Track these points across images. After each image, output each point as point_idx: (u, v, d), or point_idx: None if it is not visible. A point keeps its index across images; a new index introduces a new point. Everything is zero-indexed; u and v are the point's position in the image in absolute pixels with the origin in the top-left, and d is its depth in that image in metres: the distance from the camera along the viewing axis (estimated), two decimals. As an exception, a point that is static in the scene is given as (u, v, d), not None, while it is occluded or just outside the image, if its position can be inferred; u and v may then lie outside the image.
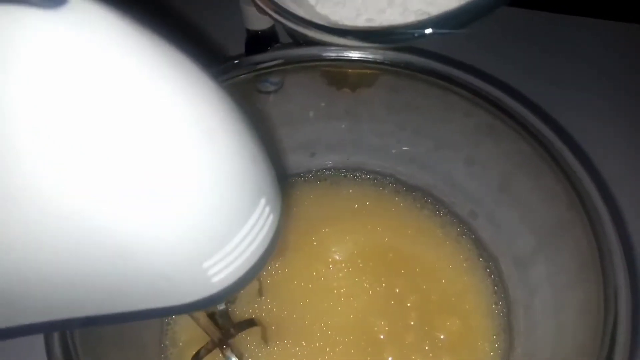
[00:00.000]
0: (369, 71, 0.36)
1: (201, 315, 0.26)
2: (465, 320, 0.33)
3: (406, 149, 0.39)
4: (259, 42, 0.41)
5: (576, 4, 0.51)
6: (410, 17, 0.31)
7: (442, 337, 0.33)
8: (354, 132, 0.39)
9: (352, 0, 0.33)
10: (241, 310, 0.33)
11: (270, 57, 0.34)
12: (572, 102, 0.45)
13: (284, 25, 0.33)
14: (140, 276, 0.16)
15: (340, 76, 0.37)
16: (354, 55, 0.33)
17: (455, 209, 0.38)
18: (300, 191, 0.40)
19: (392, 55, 0.33)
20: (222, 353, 0.28)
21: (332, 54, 0.33)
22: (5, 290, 0.17)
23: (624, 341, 0.23)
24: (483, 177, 0.35)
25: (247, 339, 0.32)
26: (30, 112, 0.13)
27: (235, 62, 0.34)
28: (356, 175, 0.40)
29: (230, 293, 0.19)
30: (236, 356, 0.28)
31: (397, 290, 0.35)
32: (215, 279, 0.18)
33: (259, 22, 0.40)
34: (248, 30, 0.41)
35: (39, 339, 0.23)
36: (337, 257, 0.36)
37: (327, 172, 0.41)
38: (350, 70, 0.36)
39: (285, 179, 0.40)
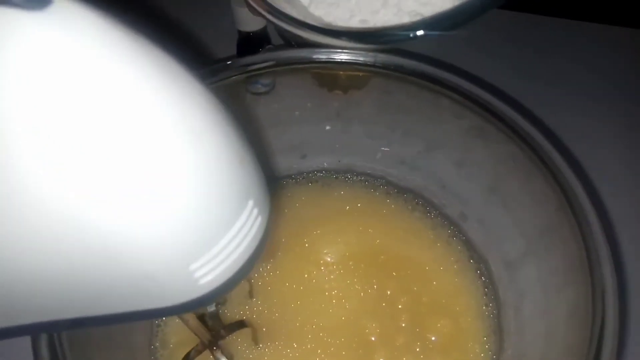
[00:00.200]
0: (360, 73, 0.36)
1: (191, 317, 0.26)
2: (456, 321, 0.33)
3: (397, 151, 0.39)
4: (251, 43, 0.41)
5: (568, 7, 0.52)
6: (404, 18, 0.31)
7: (433, 338, 0.33)
8: (345, 134, 0.39)
9: (345, 1, 0.33)
10: (232, 312, 0.33)
11: (261, 59, 0.34)
12: (561, 104, 0.45)
13: (277, 27, 0.33)
14: (127, 278, 0.16)
15: (331, 78, 0.37)
16: (345, 57, 0.33)
17: (445, 211, 0.38)
18: (291, 193, 0.40)
19: (382, 57, 0.33)
20: (213, 355, 0.28)
21: (322, 56, 0.34)
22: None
23: (612, 342, 0.24)
24: (473, 179, 0.35)
25: (238, 341, 0.32)
26: (12, 112, 0.13)
27: (227, 63, 0.34)
28: (347, 177, 0.40)
29: (218, 295, 0.19)
30: (226, 357, 0.28)
31: (389, 292, 0.35)
32: (203, 281, 0.18)
33: (250, 24, 0.40)
34: (239, 32, 0.41)
35: (25, 342, 0.23)
36: (329, 259, 0.36)
37: (318, 174, 0.41)
38: (341, 73, 0.37)
39: (277, 181, 0.40)
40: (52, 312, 0.18)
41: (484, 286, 0.35)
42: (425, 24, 0.30)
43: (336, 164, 0.41)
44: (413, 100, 0.35)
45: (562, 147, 0.29)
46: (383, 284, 0.35)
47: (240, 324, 0.30)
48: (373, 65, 0.33)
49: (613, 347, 0.23)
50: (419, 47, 0.31)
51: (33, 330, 0.19)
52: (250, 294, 0.34)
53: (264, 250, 0.19)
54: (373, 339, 0.33)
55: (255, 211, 0.18)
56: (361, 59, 0.33)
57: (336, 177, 0.40)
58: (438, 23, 0.29)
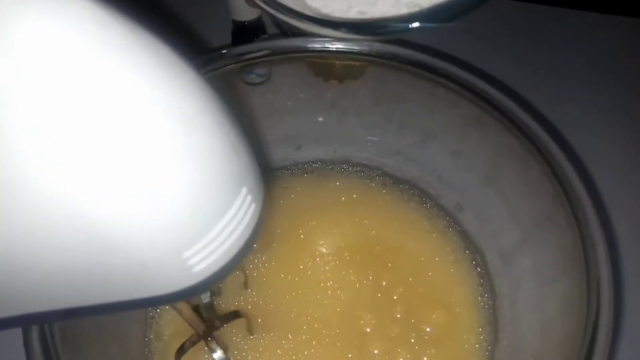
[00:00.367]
0: (356, 63, 0.36)
1: (185, 308, 0.26)
2: (451, 312, 0.33)
3: (393, 141, 0.39)
4: (246, 33, 0.41)
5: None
6: (402, 10, 0.31)
7: (428, 329, 0.33)
8: (341, 124, 0.39)
9: None
10: (226, 303, 0.33)
11: (256, 48, 0.34)
12: (559, 94, 0.45)
13: (274, 18, 0.32)
14: (120, 266, 0.16)
15: (327, 68, 0.37)
16: (340, 46, 0.33)
17: (441, 202, 0.38)
18: (286, 184, 0.39)
19: (378, 46, 0.32)
20: (207, 345, 0.28)
21: (318, 45, 0.33)
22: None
23: (606, 332, 0.24)
24: (469, 170, 0.35)
25: (233, 332, 0.32)
26: (11, 104, 0.13)
27: (221, 52, 0.33)
28: (343, 168, 0.40)
29: (212, 283, 0.18)
30: (221, 348, 0.28)
31: (384, 283, 0.35)
32: (197, 269, 0.17)
33: (245, 13, 0.39)
34: (234, 21, 0.41)
35: (17, 334, 0.23)
36: (324, 250, 0.36)
37: (313, 164, 0.40)
38: (337, 62, 0.36)
39: (272, 172, 0.40)
40: (45, 303, 0.18)
41: (480, 277, 0.35)
42: (423, 15, 0.29)
43: (332, 155, 0.41)
44: (409, 90, 0.35)
45: (559, 137, 0.29)
46: (378, 275, 0.35)
47: (235, 315, 0.30)
48: (369, 54, 0.33)
49: (607, 337, 0.24)
50: (416, 37, 0.31)
51: (25, 322, 0.19)
52: (245, 285, 0.34)
53: (258, 238, 0.19)
54: (368, 330, 0.33)
55: (249, 198, 0.18)
56: (357, 48, 0.33)
57: (332, 168, 0.40)
58: (436, 14, 0.29)
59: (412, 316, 0.33)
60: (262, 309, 0.33)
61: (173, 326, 0.32)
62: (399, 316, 0.33)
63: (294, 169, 0.40)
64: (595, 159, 0.39)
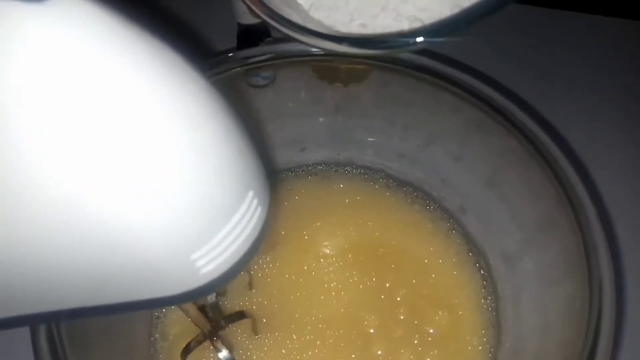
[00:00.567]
0: (359, 66, 0.36)
1: (191, 308, 0.26)
2: (454, 314, 0.34)
3: (396, 144, 0.39)
4: (251, 36, 0.41)
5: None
6: (403, 23, 0.31)
7: (431, 331, 0.33)
8: (345, 127, 0.39)
9: (345, 4, 0.33)
10: (232, 303, 0.34)
11: (261, 52, 0.34)
12: (561, 97, 0.45)
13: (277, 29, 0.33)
14: (129, 267, 0.16)
15: (331, 71, 0.37)
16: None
17: (445, 204, 0.38)
18: (291, 186, 0.40)
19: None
20: (213, 345, 0.28)
21: (322, 49, 0.33)
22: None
23: (608, 335, 0.24)
24: (472, 173, 0.35)
25: (238, 332, 0.32)
26: (19, 105, 0.13)
27: (226, 55, 0.34)
28: (347, 170, 0.40)
29: (218, 285, 0.19)
30: (227, 348, 0.28)
31: (387, 285, 0.35)
32: (203, 271, 0.18)
33: (250, 17, 0.40)
34: (239, 24, 0.41)
35: (24, 333, 0.23)
36: (328, 252, 0.36)
37: (317, 166, 0.41)
38: (341, 66, 0.37)
39: (276, 174, 0.40)
40: (53, 303, 0.18)
41: (483, 279, 0.35)
42: (425, 30, 0.30)
43: (335, 157, 0.41)
44: (412, 93, 0.35)
45: (561, 140, 0.29)
46: (382, 276, 0.35)
47: (240, 315, 0.30)
48: (372, 58, 0.33)
49: (609, 340, 0.24)
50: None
51: (33, 321, 0.19)
52: (250, 286, 0.34)
53: (264, 241, 0.20)
54: (371, 331, 0.33)
55: (255, 202, 0.18)
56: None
57: (335, 170, 0.40)
58: (438, 30, 0.29)
59: (416, 318, 0.33)
60: (267, 309, 0.33)
61: (178, 326, 0.33)
62: (402, 317, 0.33)
63: (298, 171, 0.41)
64: (597, 162, 0.39)
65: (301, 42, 0.29)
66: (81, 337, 0.25)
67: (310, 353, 0.32)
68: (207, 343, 0.29)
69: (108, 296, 0.18)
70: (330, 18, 0.33)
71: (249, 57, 0.34)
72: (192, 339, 0.28)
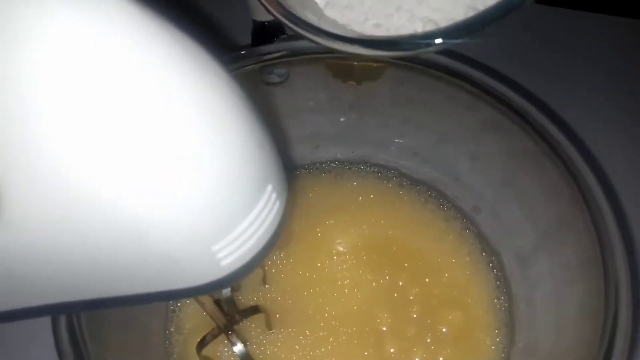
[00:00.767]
0: (374, 64, 0.36)
1: (207, 301, 0.27)
2: (467, 313, 0.34)
3: (410, 142, 0.39)
4: (266, 33, 0.41)
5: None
6: (417, 24, 0.31)
7: (444, 330, 0.33)
8: (359, 125, 0.40)
9: (360, 4, 0.33)
10: (246, 298, 0.34)
11: (276, 49, 0.34)
12: (578, 98, 0.45)
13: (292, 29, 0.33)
14: (150, 259, 0.17)
15: (346, 69, 0.37)
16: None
17: (458, 203, 0.38)
18: (304, 183, 0.40)
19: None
20: (228, 339, 0.28)
21: (338, 46, 0.34)
22: (15, 271, 0.17)
23: (624, 335, 0.24)
24: (487, 172, 0.35)
25: (252, 326, 0.32)
26: (47, 98, 0.14)
27: (241, 52, 0.34)
28: (360, 168, 0.41)
29: (237, 278, 0.19)
30: (241, 342, 0.28)
31: (400, 283, 0.35)
32: (223, 263, 0.18)
33: (265, 14, 0.40)
34: (254, 21, 0.41)
35: (45, 322, 0.24)
36: (341, 249, 0.36)
37: (331, 164, 0.41)
38: (355, 63, 0.37)
39: (290, 172, 0.40)
40: (75, 293, 0.18)
41: (496, 279, 0.35)
42: (439, 33, 0.30)
43: (349, 155, 0.41)
44: (427, 92, 0.35)
45: (578, 140, 0.29)
46: (395, 275, 0.35)
47: (255, 310, 0.31)
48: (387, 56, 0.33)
49: (626, 340, 0.24)
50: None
51: (54, 311, 0.20)
52: (264, 281, 0.34)
53: (282, 235, 0.20)
54: (384, 328, 0.33)
55: (274, 196, 0.19)
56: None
57: (349, 168, 0.41)
58: (452, 33, 0.29)
59: (428, 316, 0.33)
60: (280, 305, 0.34)
61: (193, 320, 0.33)
62: (415, 316, 0.33)
63: (312, 169, 0.41)
64: (613, 162, 0.39)
65: (314, 42, 0.29)
66: (100, 328, 0.25)
67: (322, 349, 0.32)
68: (221, 337, 0.29)
69: (129, 287, 0.18)
70: (344, 17, 0.33)
71: (264, 54, 0.34)
72: (208, 333, 0.29)
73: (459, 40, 0.28)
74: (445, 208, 0.38)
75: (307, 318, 0.33)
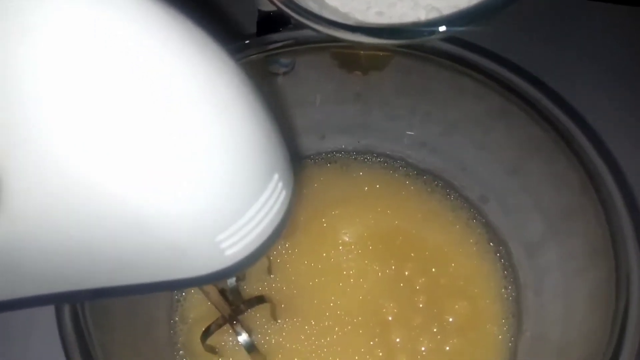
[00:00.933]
0: (380, 53, 0.35)
1: (212, 291, 0.27)
2: (474, 303, 0.33)
3: (417, 132, 0.38)
4: (271, 22, 0.41)
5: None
6: (420, 12, 0.31)
7: (450, 319, 0.33)
8: (365, 115, 0.39)
9: None
10: (251, 288, 0.34)
11: (281, 38, 0.34)
12: (588, 84, 0.44)
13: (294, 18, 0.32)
14: (155, 248, 0.16)
15: (351, 58, 0.37)
16: (366, 36, 0.33)
17: (465, 193, 0.38)
18: (310, 173, 0.40)
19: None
20: (233, 329, 0.28)
21: (343, 34, 0.33)
22: (18, 260, 0.17)
23: (635, 324, 0.23)
24: (494, 161, 0.35)
25: (257, 316, 0.32)
26: (48, 85, 0.13)
27: (246, 42, 0.33)
28: (366, 158, 0.40)
29: (242, 267, 0.19)
30: (246, 332, 0.28)
31: (406, 273, 0.35)
32: (228, 252, 0.18)
33: (270, 4, 0.39)
34: (259, 11, 0.41)
35: (49, 311, 0.23)
36: (347, 239, 0.36)
37: (337, 154, 0.40)
38: (361, 52, 0.36)
39: (295, 162, 0.40)
40: (78, 282, 0.18)
41: (504, 269, 0.35)
42: (443, 21, 0.29)
43: (355, 145, 0.41)
44: (434, 81, 0.35)
45: (588, 127, 0.29)
46: (401, 264, 0.35)
47: (260, 299, 0.31)
48: (393, 44, 0.33)
49: (637, 329, 0.23)
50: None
51: (59, 300, 0.20)
52: (269, 271, 0.34)
53: (288, 224, 0.20)
54: (390, 318, 0.33)
55: (280, 185, 0.18)
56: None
57: (355, 158, 0.40)
58: (456, 20, 0.29)
59: (435, 306, 0.33)
60: (286, 295, 0.33)
61: (197, 310, 0.33)
62: (421, 306, 0.33)
63: (318, 159, 0.40)
64: (624, 150, 0.38)
65: (316, 31, 0.29)
66: (104, 317, 0.25)
67: (328, 339, 0.32)
68: (226, 327, 0.29)
69: (133, 276, 0.18)
70: (346, 6, 0.33)
71: (269, 44, 0.34)
72: (212, 322, 0.29)
73: (463, 28, 0.27)
74: (452, 198, 0.38)
75: (313, 308, 0.33)
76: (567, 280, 0.30)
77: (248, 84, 0.17)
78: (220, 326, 0.28)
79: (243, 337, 0.29)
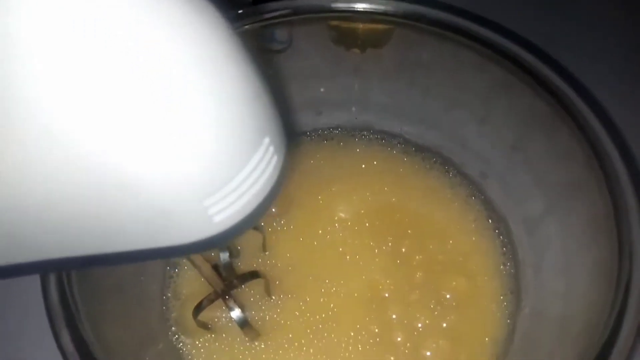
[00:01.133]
0: (379, 26, 0.34)
1: (204, 265, 0.26)
2: (472, 280, 0.33)
3: (416, 108, 0.38)
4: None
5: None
6: None
7: (448, 296, 0.32)
8: (363, 90, 0.38)
9: None
10: (245, 265, 0.33)
11: (277, 7, 0.33)
12: (593, 55, 0.42)
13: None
14: (141, 212, 0.16)
15: (349, 34, 0.36)
16: (365, 6, 0.32)
17: (465, 170, 0.37)
18: (306, 150, 0.39)
19: (403, 6, 0.31)
20: (225, 303, 0.28)
21: (341, 4, 0.32)
22: (2, 225, 0.16)
23: (637, 300, 0.23)
24: (495, 137, 0.34)
25: (251, 293, 0.32)
26: (28, 38, 0.13)
27: (239, 12, 0.32)
28: (364, 135, 0.39)
29: (232, 236, 0.18)
30: (239, 307, 0.28)
31: (403, 250, 0.34)
32: (217, 219, 0.17)
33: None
34: (255, -19, 0.40)
35: (35, 284, 0.23)
36: (343, 216, 0.36)
37: (334, 131, 0.40)
38: (360, 27, 0.35)
39: (291, 138, 0.39)
40: (63, 249, 0.18)
41: (502, 245, 0.34)
42: None
43: (353, 122, 0.40)
44: (434, 53, 0.34)
45: (592, 99, 0.28)
46: (398, 242, 0.34)
47: (254, 274, 0.30)
48: (393, 15, 0.32)
49: (639, 304, 0.23)
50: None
51: (44, 268, 0.19)
52: (264, 248, 0.33)
53: (278, 196, 0.19)
54: (386, 295, 0.32)
55: (272, 149, 0.18)
56: (381, 7, 0.32)
57: (352, 135, 0.39)
58: None
59: (432, 283, 0.33)
60: (280, 272, 0.33)
61: (191, 286, 0.32)
62: (418, 282, 0.33)
63: (314, 136, 0.40)
64: (630, 123, 0.37)
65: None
66: (93, 289, 0.25)
67: (323, 315, 0.31)
68: (219, 303, 0.29)
69: (120, 244, 0.17)
70: None
71: (264, 13, 0.33)
72: (204, 297, 0.28)
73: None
74: (451, 175, 0.37)
75: (308, 284, 0.32)
76: (568, 256, 0.29)
77: (236, 40, 0.17)
78: (212, 301, 0.28)
79: (236, 313, 0.28)
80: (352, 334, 0.31)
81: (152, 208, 0.16)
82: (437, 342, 0.31)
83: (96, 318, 0.23)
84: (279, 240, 0.34)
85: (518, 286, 0.32)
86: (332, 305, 0.32)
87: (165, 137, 0.15)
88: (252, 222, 0.18)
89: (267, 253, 0.34)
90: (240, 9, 0.33)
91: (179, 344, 0.31)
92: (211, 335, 0.31)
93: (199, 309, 0.28)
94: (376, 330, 0.31)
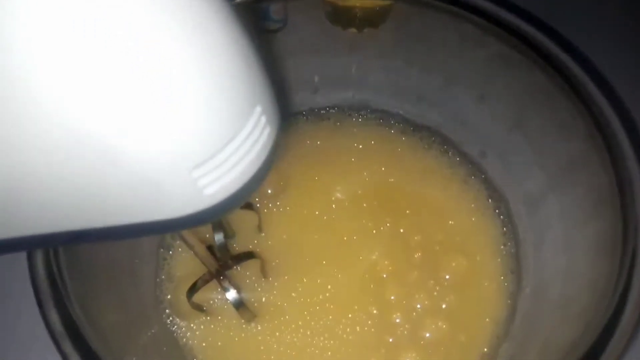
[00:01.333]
0: (376, 2, 0.34)
1: (197, 244, 0.25)
2: (472, 260, 0.32)
3: (414, 86, 0.37)
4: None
5: None
6: None
7: (447, 277, 0.32)
8: (359, 68, 0.37)
9: None
10: (240, 246, 0.32)
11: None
12: (596, 25, 0.41)
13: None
14: (130, 184, 0.15)
15: (345, 12, 0.35)
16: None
17: (464, 149, 0.36)
18: (302, 130, 0.38)
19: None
20: (220, 284, 0.27)
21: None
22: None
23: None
24: (495, 114, 0.33)
25: (247, 274, 0.31)
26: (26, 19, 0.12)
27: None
28: (361, 114, 0.39)
29: (223, 211, 0.18)
30: (234, 287, 0.27)
31: (402, 230, 0.33)
32: (208, 192, 0.16)
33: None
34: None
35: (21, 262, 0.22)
36: (340, 196, 0.35)
37: (330, 110, 0.39)
38: (357, 4, 0.34)
39: (287, 118, 0.38)
40: (51, 224, 0.17)
41: (503, 225, 0.33)
42: None
43: (350, 100, 0.39)
44: (432, 29, 0.33)
45: (596, 73, 0.27)
46: (396, 222, 0.34)
47: (249, 255, 0.29)
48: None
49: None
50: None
51: (31, 244, 0.18)
52: (260, 229, 0.33)
53: (272, 166, 0.18)
54: (384, 275, 0.32)
55: (264, 119, 0.17)
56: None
57: (349, 114, 0.39)
58: None
59: (431, 263, 0.32)
60: (277, 253, 0.32)
61: (184, 269, 0.32)
62: (416, 263, 0.32)
63: (310, 115, 0.39)
64: (635, 94, 0.36)
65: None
66: (82, 271, 0.24)
67: (320, 297, 0.31)
68: (214, 286, 0.28)
69: (109, 217, 0.17)
70: None
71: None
72: (199, 278, 0.27)
73: None
74: (450, 154, 0.36)
75: (304, 265, 0.32)
76: (569, 234, 0.28)
77: (226, 6, 0.16)
78: (207, 282, 0.27)
79: (231, 294, 0.27)
80: (350, 315, 0.31)
81: (140, 179, 0.15)
82: (436, 323, 0.31)
83: (86, 299, 0.23)
84: (275, 221, 0.34)
85: (519, 266, 0.32)
86: (329, 286, 0.31)
87: (150, 104, 0.14)
88: (244, 197, 0.18)
89: (263, 234, 0.33)
90: (232, -16, 0.32)
91: (174, 326, 0.30)
92: (206, 318, 0.30)
93: (193, 290, 0.27)
94: (374, 311, 0.31)
